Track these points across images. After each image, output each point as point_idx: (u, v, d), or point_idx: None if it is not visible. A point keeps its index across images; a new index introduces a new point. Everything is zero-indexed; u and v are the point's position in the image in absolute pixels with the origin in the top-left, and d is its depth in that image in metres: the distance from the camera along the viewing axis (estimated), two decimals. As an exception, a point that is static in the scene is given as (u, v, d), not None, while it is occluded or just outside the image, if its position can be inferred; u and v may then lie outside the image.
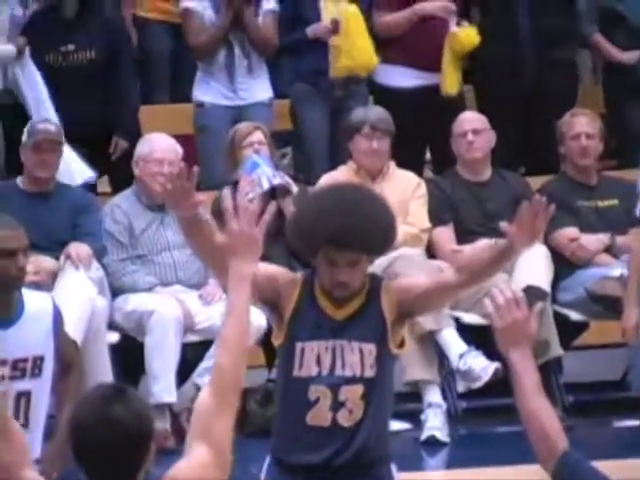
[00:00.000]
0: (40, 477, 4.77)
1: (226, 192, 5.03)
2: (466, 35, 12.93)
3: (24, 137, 11.55)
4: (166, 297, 10.93)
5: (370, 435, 6.18)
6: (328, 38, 12.45)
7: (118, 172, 12.70)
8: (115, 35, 13.70)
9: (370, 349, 6.00)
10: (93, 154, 12.85)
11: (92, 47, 13.40)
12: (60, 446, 6.74)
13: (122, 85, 13.27)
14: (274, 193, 10.83)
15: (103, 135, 12.97)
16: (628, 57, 13.63)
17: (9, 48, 12.93)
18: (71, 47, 13.33)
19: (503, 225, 6.15)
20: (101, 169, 13.01)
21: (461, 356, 10.75)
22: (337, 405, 6.00)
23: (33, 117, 12.51)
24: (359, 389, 5.93)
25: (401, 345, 6.17)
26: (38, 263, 10.18)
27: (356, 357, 6.00)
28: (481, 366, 10.82)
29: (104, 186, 13.20)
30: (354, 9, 13.44)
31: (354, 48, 12.75)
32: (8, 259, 6.57)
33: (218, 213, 10.61)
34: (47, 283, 10.45)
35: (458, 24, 13.03)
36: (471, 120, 11.98)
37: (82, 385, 7.25)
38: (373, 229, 5.92)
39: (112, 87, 13.18)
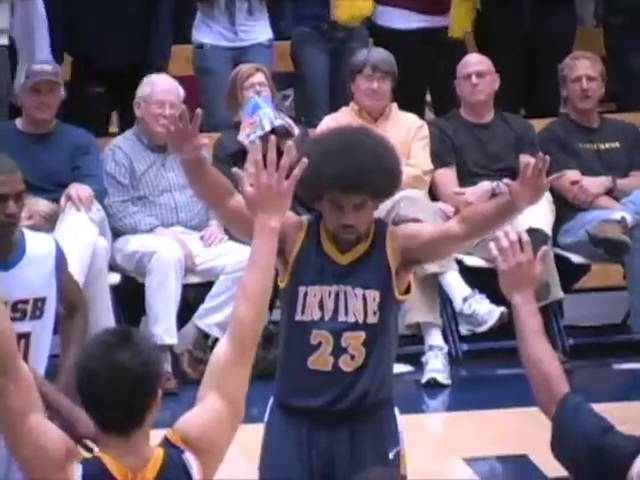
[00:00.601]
0: (49, 422, 4.89)
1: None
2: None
3: (22, 79, 11.63)
4: (167, 238, 11.07)
5: (372, 380, 6.23)
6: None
7: (130, 112, 12.13)
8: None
9: (374, 296, 6.03)
10: (111, 91, 12.76)
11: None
12: (63, 388, 6.73)
13: (158, 17, 12.87)
14: (275, 134, 10.79)
15: (126, 70, 12.62)
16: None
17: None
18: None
19: (506, 182, 6.29)
20: (116, 107, 13.03)
21: (465, 300, 10.90)
22: (339, 351, 6.04)
23: (22, 56, 12.55)
24: (361, 335, 5.98)
25: (407, 292, 6.19)
26: (31, 207, 10.24)
27: (359, 303, 6.02)
28: (486, 310, 11.03)
29: (114, 127, 13.23)
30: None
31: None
32: None
33: (218, 157, 10.77)
34: (42, 226, 10.26)
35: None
36: (475, 63, 11.98)
37: (87, 326, 7.29)
38: (378, 170, 5.90)
39: (147, 18, 12.78)
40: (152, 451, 4.35)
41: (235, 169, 5.40)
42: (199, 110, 6.07)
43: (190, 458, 4.41)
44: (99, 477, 4.46)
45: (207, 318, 10.74)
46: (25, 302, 6.66)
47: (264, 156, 4.28)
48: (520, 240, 4.36)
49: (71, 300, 7.08)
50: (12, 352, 4.36)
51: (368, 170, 5.90)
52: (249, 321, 4.30)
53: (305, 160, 4.57)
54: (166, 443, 4.35)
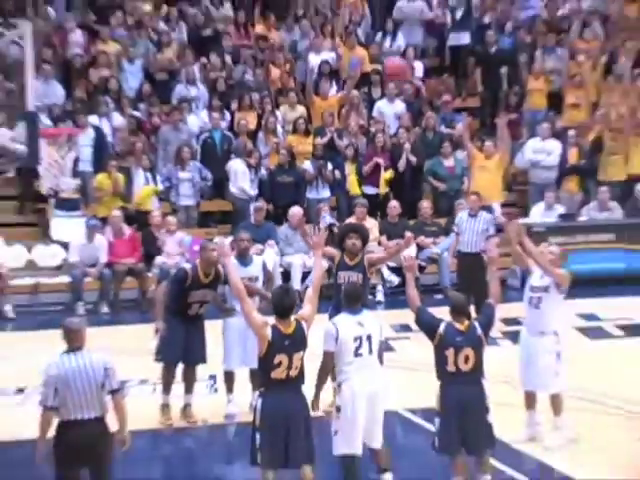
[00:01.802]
0: (258, 314, 10.17)
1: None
2: None
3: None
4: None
5: None
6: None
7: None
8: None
9: (359, 276, 12.48)
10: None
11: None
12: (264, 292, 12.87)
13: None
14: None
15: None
16: None
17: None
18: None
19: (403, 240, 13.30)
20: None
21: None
22: None
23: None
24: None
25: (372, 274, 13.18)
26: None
27: (355, 277, 12.44)
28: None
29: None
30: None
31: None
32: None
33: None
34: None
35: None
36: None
37: (271, 283, 13.48)
38: (366, 236, 12.93)
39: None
40: (291, 321, 10.00)
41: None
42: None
43: (304, 323, 9.97)
44: (276, 331, 9.83)
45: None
46: (250, 279, 12.81)
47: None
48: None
49: (268, 278, 13.62)
50: (242, 289, 10.24)
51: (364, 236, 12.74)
52: (315, 293, 10.35)
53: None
54: (295, 319, 9.95)
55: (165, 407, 12.97)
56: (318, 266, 10.79)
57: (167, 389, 13.08)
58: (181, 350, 12.86)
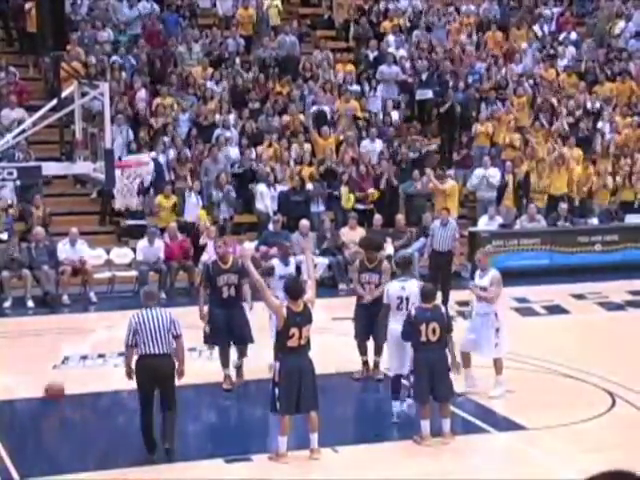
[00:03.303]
0: (274, 298, 10.53)
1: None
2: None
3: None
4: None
5: None
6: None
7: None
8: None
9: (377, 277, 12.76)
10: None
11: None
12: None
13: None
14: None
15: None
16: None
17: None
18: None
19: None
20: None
21: None
22: None
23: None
24: None
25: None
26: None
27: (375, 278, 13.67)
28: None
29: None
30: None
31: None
32: None
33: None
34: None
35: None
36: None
37: None
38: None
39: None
40: (300, 302, 10.09)
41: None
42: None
43: (309, 304, 10.08)
44: (290, 310, 10.10)
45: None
46: (290, 274, 12.60)
47: None
48: None
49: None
50: (261, 281, 10.50)
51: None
52: (313, 291, 10.22)
53: None
54: (303, 301, 10.00)
55: (226, 377, 12.57)
56: (309, 262, 11.20)
57: (225, 364, 12.62)
58: (226, 333, 12.53)
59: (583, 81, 23.96)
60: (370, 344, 12.89)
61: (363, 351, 12.99)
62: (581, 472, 9.50)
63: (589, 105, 23.15)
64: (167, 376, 10.23)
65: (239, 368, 12.72)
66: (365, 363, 13.04)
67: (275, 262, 13.50)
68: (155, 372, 10.16)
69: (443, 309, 11.25)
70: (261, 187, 20.24)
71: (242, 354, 12.69)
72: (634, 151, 22.01)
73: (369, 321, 12.60)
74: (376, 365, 12.96)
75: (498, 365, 12.11)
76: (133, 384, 10.49)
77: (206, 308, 12.62)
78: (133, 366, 10.26)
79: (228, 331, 12.49)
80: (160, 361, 10.15)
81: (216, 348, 12.86)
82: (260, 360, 12.33)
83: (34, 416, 12.44)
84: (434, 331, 10.63)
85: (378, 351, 12.81)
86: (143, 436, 10.31)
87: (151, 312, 10.21)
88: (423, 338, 10.63)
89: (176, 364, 10.28)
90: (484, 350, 12.14)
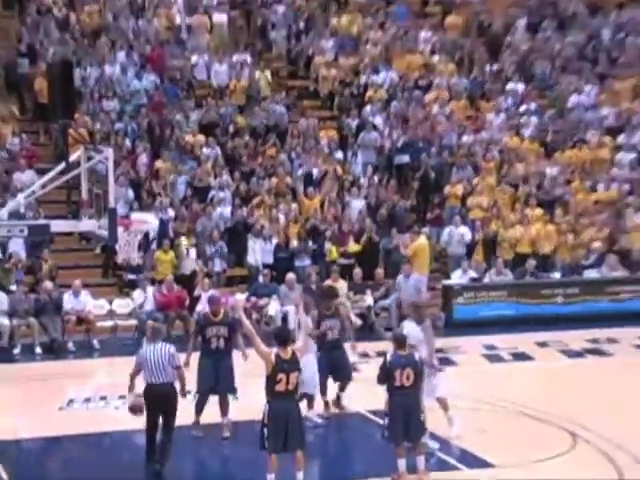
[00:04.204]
0: (265, 347, 9.74)
1: None
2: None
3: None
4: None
5: None
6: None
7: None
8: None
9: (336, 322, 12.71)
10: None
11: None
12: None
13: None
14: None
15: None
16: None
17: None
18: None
19: None
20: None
21: None
22: None
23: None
24: None
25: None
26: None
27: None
28: None
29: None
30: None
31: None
32: None
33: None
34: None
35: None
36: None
37: None
38: None
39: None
40: (288, 350, 9.71)
41: None
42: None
43: (297, 353, 9.71)
44: (278, 357, 9.73)
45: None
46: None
47: None
48: None
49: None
50: (253, 330, 9.98)
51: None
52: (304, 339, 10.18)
53: None
54: (291, 349, 9.66)
55: (196, 423, 12.12)
56: (301, 314, 11.21)
57: (198, 411, 12.17)
58: (211, 382, 12.03)
59: (544, 148, 24.19)
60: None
61: (323, 391, 12.93)
62: None
63: (550, 171, 23.30)
64: (170, 402, 10.77)
65: (226, 424, 12.21)
66: (326, 403, 13.03)
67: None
68: (160, 398, 10.74)
69: (417, 356, 11.09)
70: (253, 242, 20.24)
71: (224, 404, 12.18)
72: (590, 212, 22.16)
73: (331, 363, 12.83)
74: (338, 399, 13.14)
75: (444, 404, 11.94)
76: (132, 425, 10.81)
77: (194, 355, 12.25)
78: (141, 392, 10.86)
79: (214, 380, 12.04)
80: (164, 389, 10.72)
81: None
82: (255, 402, 12.27)
83: (39, 455, 12.30)
84: (408, 377, 10.53)
85: (342, 387, 13.01)
86: (146, 452, 10.88)
87: (155, 347, 10.84)
88: (397, 383, 10.50)
89: (177, 390, 10.89)
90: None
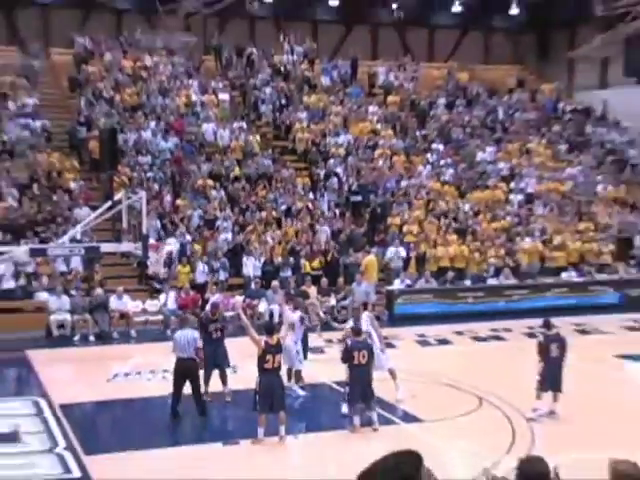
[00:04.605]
0: (260, 337, 11.41)
1: None
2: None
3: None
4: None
5: None
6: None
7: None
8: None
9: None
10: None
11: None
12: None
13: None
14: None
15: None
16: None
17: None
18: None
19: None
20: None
21: None
22: None
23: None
24: None
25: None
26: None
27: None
28: None
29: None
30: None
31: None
32: None
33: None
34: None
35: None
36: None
37: None
38: None
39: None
40: (274, 337, 9.88)
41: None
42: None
43: (281, 339, 11.04)
44: (267, 342, 11.56)
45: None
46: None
47: None
48: None
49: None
50: (249, 325, 10.14)
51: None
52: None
53: None
54: (276, 336, 10.31)
55: (205, 392, 11.83)
56: (285, 311, 11.23)
57: (206, 383, 11.93)
58: (213, 361, 11.92)
59: (458, 191, 24.36)
60: None
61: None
62: (460, 450, 9.50)
63: (463, 207, 23.46)
64: (193, 371, 11.03)
65: (227, 392, 12.10)
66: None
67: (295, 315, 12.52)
68: (186, 368, 10.98)
69: (369, 341, 11.14)
70: (248, 260, 20.11)
71: (223, 376, 12.10)
72: (491, 237, 22.20)
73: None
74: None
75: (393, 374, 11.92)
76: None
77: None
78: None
79: (215, 359, 11.94)
80: (189, 362, 10.95)
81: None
82: (249, 376, 12.15)
83: (93, 413, 12.29)
84: (364, 356, 10.59)
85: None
86: (171, 409, 11.04)
87: (183, 332, 11.03)
88: (356, 362, 10.58)
89: (198, 362, 11.21)
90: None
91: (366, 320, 11.72)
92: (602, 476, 3.52)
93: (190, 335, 10.98)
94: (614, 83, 27.72)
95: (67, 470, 9.23)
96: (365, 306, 12.49)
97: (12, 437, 10.14)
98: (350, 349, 10.70)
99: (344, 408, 10.97)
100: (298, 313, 12.41)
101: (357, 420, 10.62)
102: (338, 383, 11.95)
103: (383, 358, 11.76)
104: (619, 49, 25.02)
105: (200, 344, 11.03)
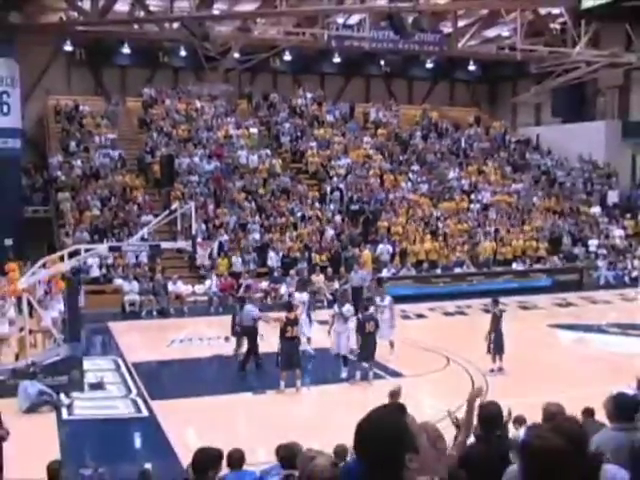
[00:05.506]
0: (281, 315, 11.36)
1: None
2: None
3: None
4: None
5: None
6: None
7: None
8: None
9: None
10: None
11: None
12: None
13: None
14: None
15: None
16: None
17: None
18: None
19: None
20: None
21: None
22: None
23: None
24: None
25: None
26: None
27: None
28: None
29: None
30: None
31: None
32: None
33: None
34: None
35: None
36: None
37: None
38: None
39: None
40: (292, 313, 10.50)
41: None
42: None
43: (297, 315, 11.37)
44: (287, 318, 11.39)
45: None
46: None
47: None
48: None
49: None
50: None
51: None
52: None
53: None
54: (294, 313, 11.26)
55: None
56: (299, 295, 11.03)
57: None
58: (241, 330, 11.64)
59: (432, 201, 23.97)
60: None
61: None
62: (432, 397, 9.28)
63: (435, 213, 23.08)
64: (252, 334, 10.89)
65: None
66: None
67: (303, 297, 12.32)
68: (247, 333, 10.94)
69: (375, 314, 11.02)
70: (271, 253, 19.79)
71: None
72: (457, 237, 22.01)
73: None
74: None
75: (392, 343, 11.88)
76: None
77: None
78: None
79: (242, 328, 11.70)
80: (249, 329, 10.86)
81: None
82: (274, 342, 11.69)
83: (157, 370, 12.03)
84: (372, 326, 10.52)
85: None
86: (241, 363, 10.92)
87: (246, 307, 11.10)
88: (367, 330, 10.50)
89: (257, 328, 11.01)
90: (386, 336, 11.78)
91: (380, 302, 11.74)
92: (537, 414, 3.64)
93: (249, 309, 11.08)
94: (545, 121, 28.49)
95: (138, 410, 9.35)
96: (379, 282, 12.20)
97: (99, 385, 10.29)
98: (362, 320, 10.65)
99: (343, 374, 10.77)
100: (305, 294, 12.42)
101: (357, 375, 10.55)
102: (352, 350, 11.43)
103: (389, 332, 11.64)
104: (548, 96, 26.25)
105: (257, 316, 10.96)
